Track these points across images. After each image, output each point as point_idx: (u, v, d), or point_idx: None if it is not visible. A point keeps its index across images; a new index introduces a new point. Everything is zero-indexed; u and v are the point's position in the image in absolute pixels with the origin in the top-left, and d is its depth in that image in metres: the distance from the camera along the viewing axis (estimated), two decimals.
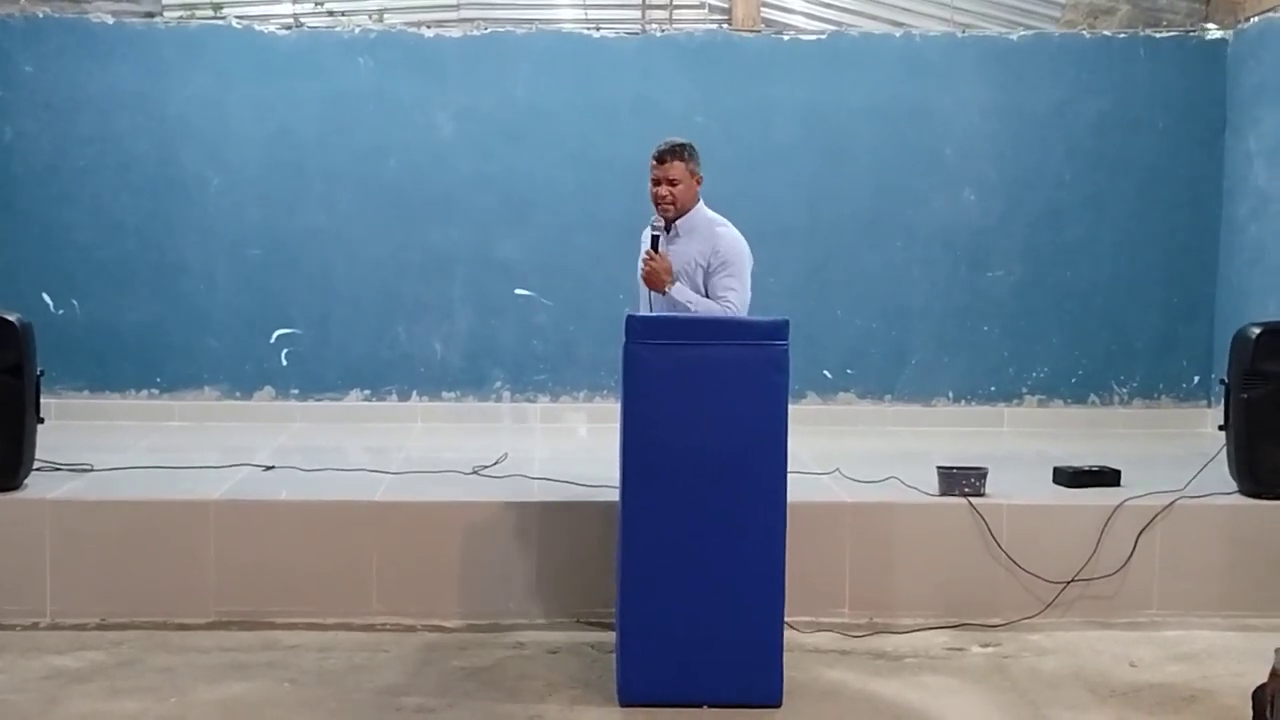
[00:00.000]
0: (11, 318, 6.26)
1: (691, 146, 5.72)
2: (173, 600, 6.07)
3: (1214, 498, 6.45)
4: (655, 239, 5.64)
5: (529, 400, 9.32)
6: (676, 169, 5.63)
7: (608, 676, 5.33)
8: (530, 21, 9.41)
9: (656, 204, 5.70)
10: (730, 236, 5.68)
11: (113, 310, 9.08)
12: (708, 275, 5.63)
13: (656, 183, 5.67)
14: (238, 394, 9.19)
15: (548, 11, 9.58)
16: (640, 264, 5.65)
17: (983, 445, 8.12)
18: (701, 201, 5.78)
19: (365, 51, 9.18)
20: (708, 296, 5.60)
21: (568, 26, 9.44)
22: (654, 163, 5.68)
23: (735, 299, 5.56)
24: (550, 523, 6.22)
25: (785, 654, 5.13)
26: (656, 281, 5.57)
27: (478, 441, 7.99)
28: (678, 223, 5.70)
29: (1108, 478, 6.74)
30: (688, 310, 5.52)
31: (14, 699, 5.07)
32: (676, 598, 5.03)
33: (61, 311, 9.01)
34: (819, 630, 5.99)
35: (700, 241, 5.66)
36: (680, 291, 5.56)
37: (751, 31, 9.41)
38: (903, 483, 6.58)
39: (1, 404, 6.18)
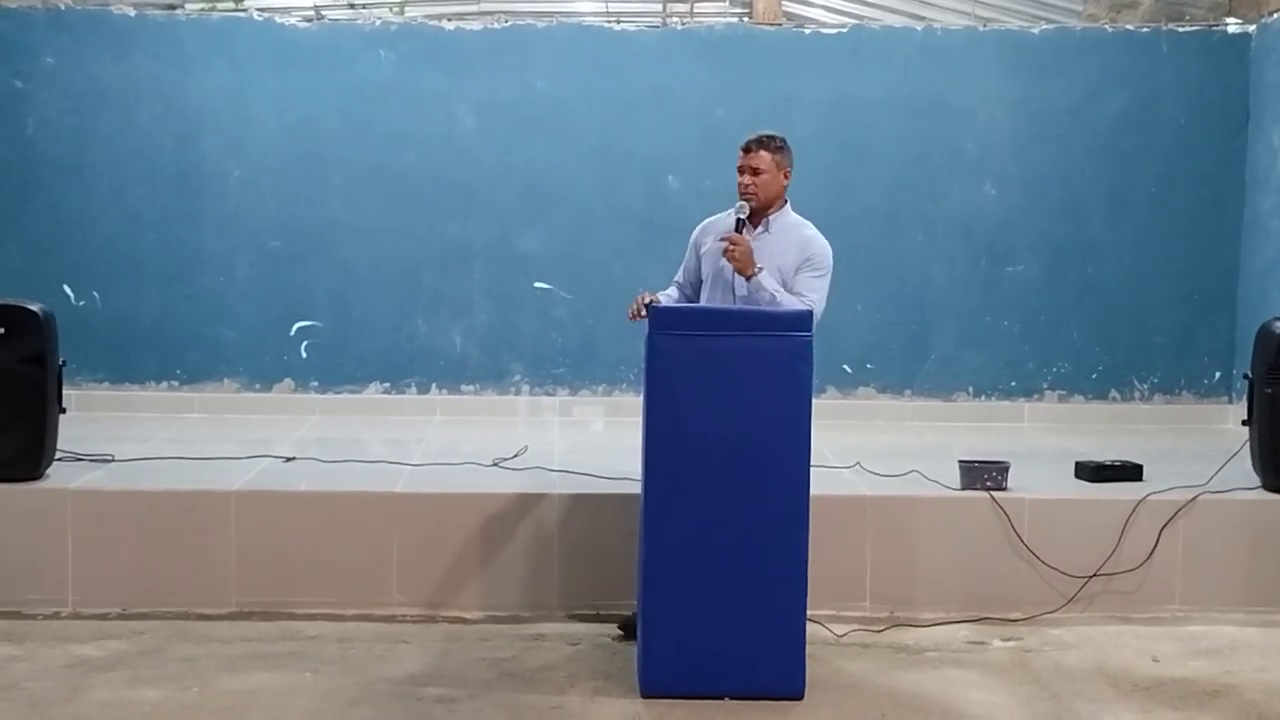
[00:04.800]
0: (35, 308, 6.27)
1: (782, 140, 5.63)
2: (194, 590, 6.08)
3: (1237, 493, 6.43)
4: (740, 222, 5.55)
5: (548, 394, 9.32)
6: (762, 159, 5.55)
7: (628, 668, 5.33)
8: (550, 14, 9.41)
9: (741, 193, 5.62)
10: (819, 239, 5.61)
11: (133, 302, 9.11)
12: (795, 272, 5.53)
13: (741, 171, 5.62)
14: (257, 386, 9.22)
15: (568, 4, 9.60)
16: (722, 246, 5.50)
17: (1003, 441, 8.11)
18: (789, 204, 5.70)
19: (386, 44, 9.18)
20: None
21: (588, 19, 9.44)
22: (741, 152, 5.64)
23: (817, 300, 5.46)
24: (571, 515, 6.21)
25: (807, 647, 5.11)
26: (746, 263, 5.41)
27: (497, 434, 7.99)
28: (769, 218, 5.61)
29: (1130, 473, 6.72)
30: (773, 299, 5.39)
31: (36, 687, 5.08)
32: (698, 590, 5.03)
33: (82, 303, 9.03)
34: (840, 623, 5.97)
35: (790, 241, 5.57)
36: (767, 279, 5.44)
37: (772, 25, 9.40)
38: (924, 477, 6.58)
39: (25, 393, 6.19)
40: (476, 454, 7.16)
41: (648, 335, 5.10)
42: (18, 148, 9.02)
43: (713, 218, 5.85)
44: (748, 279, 5.45)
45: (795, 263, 5.53)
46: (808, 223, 5.67)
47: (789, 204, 5.69)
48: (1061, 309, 9.38)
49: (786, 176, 5.64)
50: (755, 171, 5.57)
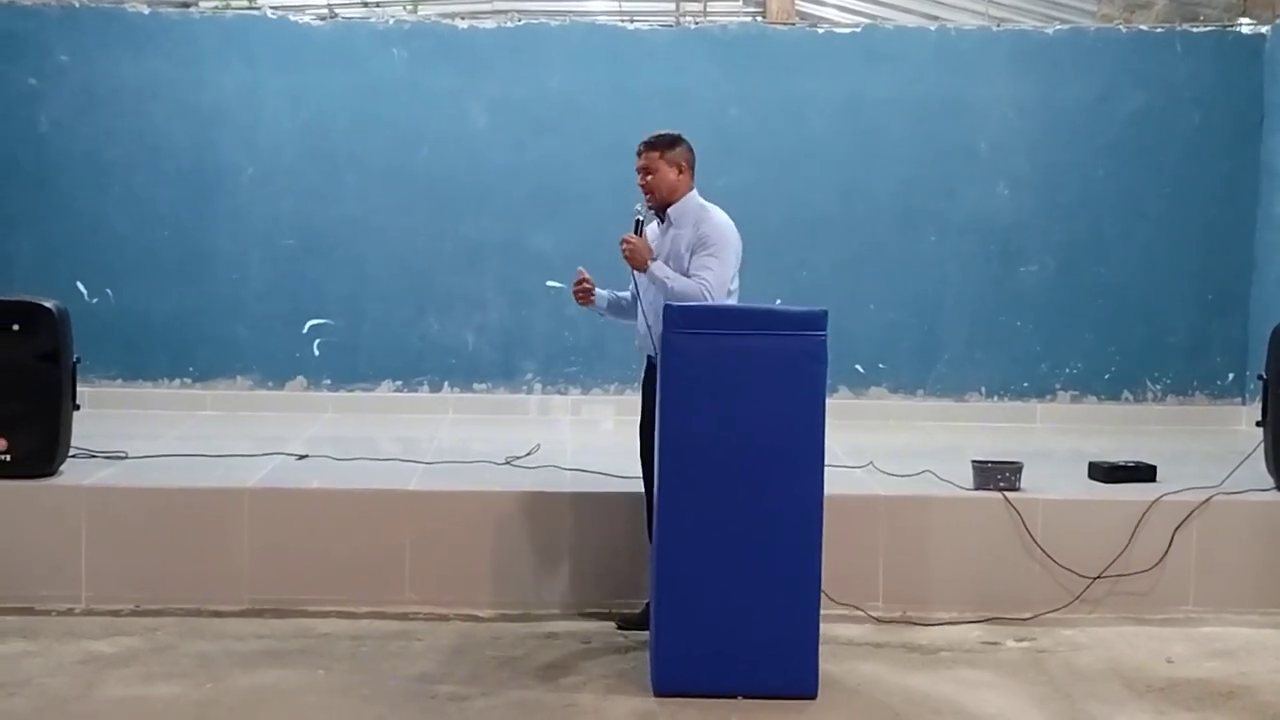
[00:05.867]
0: (49, 304, 6.28)
1: (672, 138, 5.77)
2: (207, 587, 6.09)
3: (1250, 494, 6.41)
4: (638, 223, 5.74)
5: (560, 392, 9.32)
6: (650, 159, 5.73)
7: (641, 666, 5.33)
8: (564, 13, 9.42)
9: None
10: (715, 220, 5.71)
11: (146, 299, 9.13)
12: (691, 256, 5.65)
13: (638, 172, 5.80)
14: (270, 384, 9.23)
15: (581, 3, 9.60)
16: (621, 248, 5.72)
17: (1016, 441, 8.08)
18: (695, 191, 5.80)
19: (399, 42, 9.19)
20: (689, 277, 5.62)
21: (601, 19, 9.45)
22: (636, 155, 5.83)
23: (710, 278, 5.53)
24: (583, 513, 6.22)
25: (820, 646, 5.09)
26: (637, 260, 5.62)
27: (509, 433, 7.99)
28: (669, 211, 5.76)
29: (1143, 473, 6.71)
30: (665, 286, 5.54)
31: (51, 683, 5.09)
32: (711, 588, 5.02)
33: (95, 300, 9.05)
34: (853, 623, 5.97)
35: (688, 227, 5.70)
36: (659, 268, 5.61)
37: (786, 24, 9.40)
38: (937, 477, 6.57)
39: (39, 390, 6.20)
40: (489, 452, 7.16)
41: (662, 333, 5.10)
42: (32, 145, 9.05)
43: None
44: (643, 272, 5.65)
45: (690, 245, 5.65)
46: (710, 206, 5.78)
47: (694, 192, 5.80)
48: (1074, 309, 9.36)
49: (681, 171, 5.77)
50: (646, 171, 5.76)
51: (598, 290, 5.88)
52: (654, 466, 5.46)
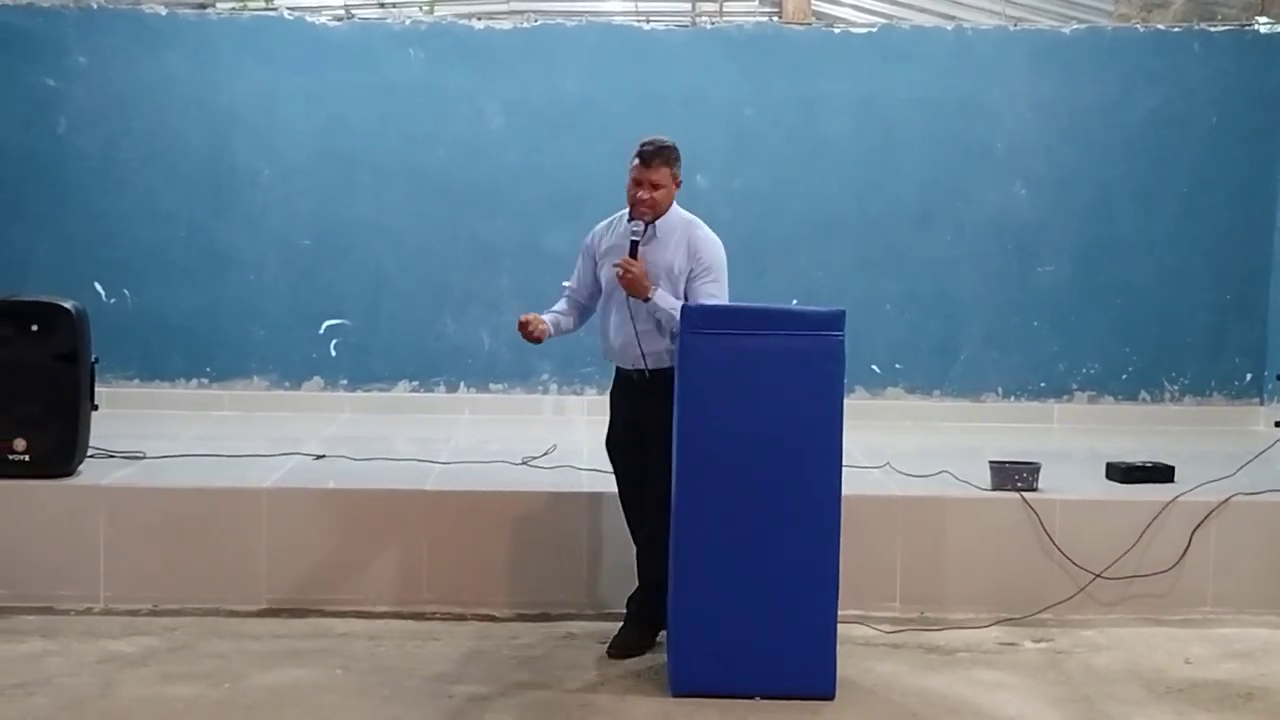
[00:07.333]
0: (68, 305, 6.30)
1: (675, 148, 5.41)
2: (225, 587, 6.11)
3: (1269, 494, 6.39)
4: (634, 244, 5.33)
5: (576, 393, 9.32)
6: (661, 173, 5.34)
7: (659, 667, 5.33)
8: (580, 14, 9.43)
9: (634, 206, 5.39)
10: (709, 239, 5.42)
11: (163, 300, 9.14)
12: (689, 280, 5.37)
13: (638, 184, 5.36)
14: (287, 384, 9.24)
15: (598, 4, 9.60)
16: (616, 270, 5.34)
17: (1033, 442, 8.06)
18: (676, 202, 5.49)
19: (416, 43, 9.20)
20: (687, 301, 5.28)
21: (618, 19, 9.46)
22: (637, 162, 5.37)
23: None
24: (600, 513, 6.21)
25: (837, 647, 5.09)
26: (639, 289, 5.26)
27: (525, 433, 8.00)
28: (655, 224, 5.41)
29: (1161, 474, 6.69)
30: (670, 317, 5.23)
31: (70, 682, 5.11)
32: (729, 589, 5.02)
33: (113, 301, 9.07)
34: (870, 624, 5.96)
35: (677, 244, 5.39)
36: (663, 298, 5.27)
37: (802, 24, 9.39)
38: (954, 477, 6.56)
39: (58, 390, 6.22)
40: (505, 452, 7.17)
41: (679, 334, 5.10)
42: (50, 146, 9.08)
43: (603, 223, 5.69)
44: (644, 301, 5.31)
45: (684, 266, 5.37)
46: (696, 220, 5.48)
47: (675, 202, 5.49)
48: (1091, 309, 9.34)
49: (679, 184, 5.46)
50: (654, 185, 5.35)
51: (545, 317, 5.56)
52: (625, 474, 5.54)
